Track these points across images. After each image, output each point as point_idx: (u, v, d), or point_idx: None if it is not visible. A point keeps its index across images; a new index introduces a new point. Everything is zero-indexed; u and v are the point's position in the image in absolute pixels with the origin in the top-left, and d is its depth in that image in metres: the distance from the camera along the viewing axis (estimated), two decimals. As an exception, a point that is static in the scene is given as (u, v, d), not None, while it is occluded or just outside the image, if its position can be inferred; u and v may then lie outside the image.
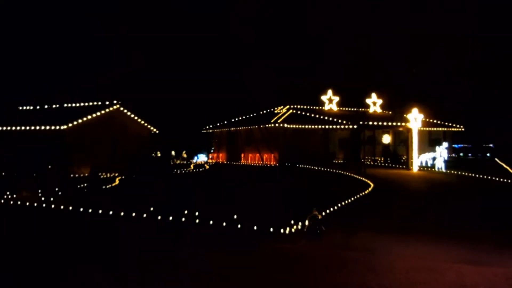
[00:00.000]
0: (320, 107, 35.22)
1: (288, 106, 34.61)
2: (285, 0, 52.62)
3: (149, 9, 50.87)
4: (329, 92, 34.84)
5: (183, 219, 11.88)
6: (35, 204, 14.32)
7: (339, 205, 14.41)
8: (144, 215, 12.34)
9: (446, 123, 38.59)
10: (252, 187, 20.04)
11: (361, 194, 16.99)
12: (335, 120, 30.19)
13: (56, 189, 17.69)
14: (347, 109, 36.58)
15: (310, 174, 25.09)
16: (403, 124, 29.43)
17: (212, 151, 38.97)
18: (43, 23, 43.77)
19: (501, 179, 22.08)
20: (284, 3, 52.28)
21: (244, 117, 37.03)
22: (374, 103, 35.20)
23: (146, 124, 29.15)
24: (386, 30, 44.63)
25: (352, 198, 15.84)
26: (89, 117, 25.08)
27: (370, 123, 29.63)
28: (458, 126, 39.09)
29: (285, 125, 30.43)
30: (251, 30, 51.18)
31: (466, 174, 24.64)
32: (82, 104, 28.58)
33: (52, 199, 15.25)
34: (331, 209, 13.64)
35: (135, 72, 46.23)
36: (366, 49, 45.93)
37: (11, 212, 13.79)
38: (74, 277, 7.47)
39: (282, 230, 10.56)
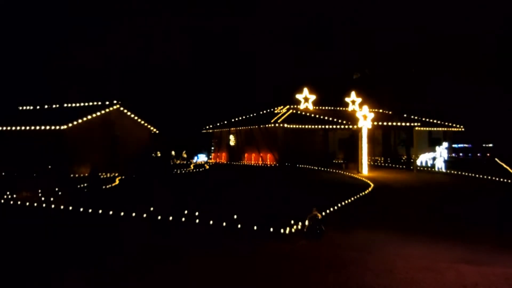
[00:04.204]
0: (322, 107, 35.16)
1: (288, 106, 34.60)
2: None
3: (149, 8, 50.85)
4: (305, 90, 34.32)
5: (183, 219, 11.88)
6: (35, 204, 14.32)
7: (339, 205, 14.42)
8: (144, 215, 12.34)
9: (446, 123, 38.61)
10: (252, 187, 20.04)
11: (361, 194, 16.99)
12: (335, 120, 30.17)
13: (56, 189, 17.70)
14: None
15: (310, 174, 25.09)
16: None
17: (212, 151, 38.98)
18: (43, 23, 43.74)
19: (501, 179, 22.08)
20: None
21: (244, 117, 37.03)
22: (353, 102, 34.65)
23: (146, 124, 29.15)
24: (385, 28, 44.53)
25: (352, 198, 15.85)
26: (89, 117, 25.08)
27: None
28: (458, 126, 39.12)
29: (285, 125, 30.42)
30: (252, 31, 51.09)
31: (466, 174, 24.64)
32: (82, 104, 28.58)
33: (52, 199, 15.25)
34: (331, 209, 13.64)
35: (135, 72, 46.19)
36: (368, 48, 45.84)
37: (11, 212, 13.79)
38: (74, 276, 7.47)
39: (282, 230, 10.56)
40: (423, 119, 36.82)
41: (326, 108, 36.35)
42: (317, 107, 35.10)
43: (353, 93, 34.73)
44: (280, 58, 48.61)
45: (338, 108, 36.72)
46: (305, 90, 34.46)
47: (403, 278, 7.41)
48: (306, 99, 34.40)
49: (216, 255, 8.85)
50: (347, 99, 34.86)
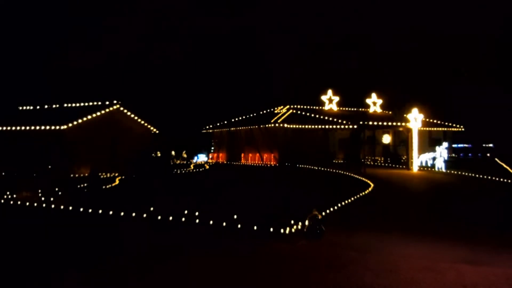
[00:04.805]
0: (320, 107, 35.24)
1: (288, 106, 34.61)
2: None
3: (149, 9, 50.86)
4: (329, 92, 35.03)
5: (183, 219, 11.88)
6: (35, 204, 14.32)
7: (339, 205, 14.41)
8: (144, 215, 12.34)
9: (446, 123, 38.61)
10: (252, 187, 20.04)
11: (361, 194, 16.98)
12: (335, 120, 30.19)
13: (56, 189, 17.69)
14: (347, 109, 36.66)
15: (310, 174, 25.08)
16: (403, 124, 29.44)
17: (212, 151, 38.99)
18: (43, 23, 43.76)
19: (501, 179, 22.07)
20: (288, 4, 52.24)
21: (244, 117, 37.04)
22: (374, 103, 35.29)
23: (146, 124, 29.15)
24: (387, 29, 44.56)
25: (352, 198, 15.84)
26: (89, 117, 25.08)
27: (370, 123, 29.63)
28: (458, 126, 39.12)
29: (285, 125, 30.42)
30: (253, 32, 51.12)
31: (466, 174, 24.63)
32: (82, 104, 28.58)
33: (52, 199, 15.24)
34: (331, 209, 13.64)
35: (135, 72, 46.23)
36: (368, 48, 45.89)
37: (11, 212, 13.78)
38: (74, 276, 7.47)
39: (282, 230, 10.56)
40: (423, 119, 36.79)
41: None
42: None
43: (373, 95, 35.19)
44: (280, 57, 48.68)
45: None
46: (329, 92, 35.03)
47: (403, 278, 7.41)
48: (330, 100, 34.87)
49: (216, 255, 8.85)
50: (367, 101, 35.34)
